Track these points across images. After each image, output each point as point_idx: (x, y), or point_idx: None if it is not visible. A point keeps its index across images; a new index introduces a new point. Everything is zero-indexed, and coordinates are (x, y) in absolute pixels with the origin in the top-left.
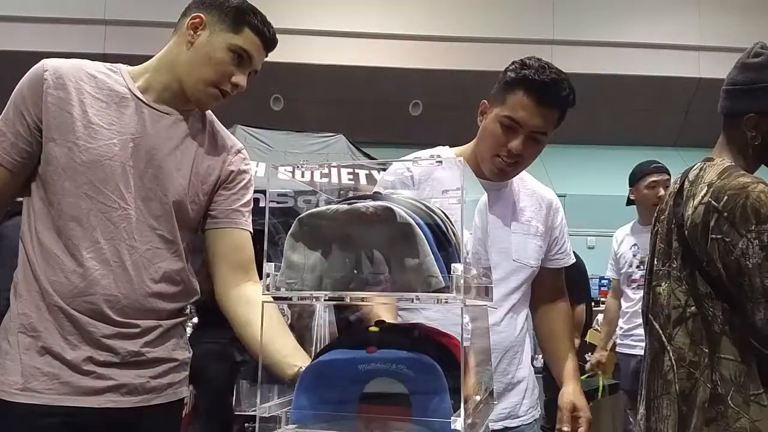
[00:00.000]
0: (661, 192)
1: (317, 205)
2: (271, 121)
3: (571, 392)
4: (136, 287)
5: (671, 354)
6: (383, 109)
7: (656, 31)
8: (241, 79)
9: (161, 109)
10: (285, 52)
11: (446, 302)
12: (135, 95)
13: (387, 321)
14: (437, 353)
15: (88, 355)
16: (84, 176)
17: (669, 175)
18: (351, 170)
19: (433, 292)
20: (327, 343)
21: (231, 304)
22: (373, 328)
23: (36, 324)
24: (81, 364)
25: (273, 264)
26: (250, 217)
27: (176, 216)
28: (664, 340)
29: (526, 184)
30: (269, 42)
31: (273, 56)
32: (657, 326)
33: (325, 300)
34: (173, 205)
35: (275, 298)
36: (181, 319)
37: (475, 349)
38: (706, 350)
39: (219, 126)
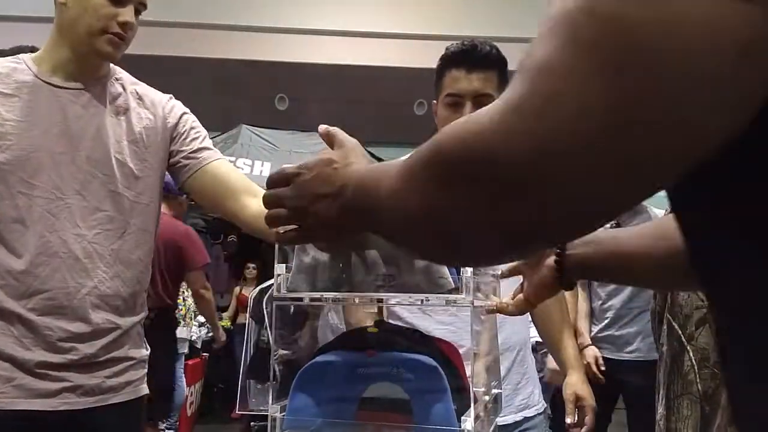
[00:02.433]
0: None
1: None
2: (275, 121)
3: (574, 382)
4: (92, 274)
5: (691, 354)
6: (388, 108)
7: None
8: (127, 15)
9: (74, 86)
10: (290, 51)
11: (454, 303)
12: (44, 81)
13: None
14: (438, 355)
15: (42, 359)
16: (13, 175)
17: None
18: None
19: (443, 293)
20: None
21: (257, 217)
22: (372, 329)
23: None
24: (34, 367)
25: (284, 265)
26: (210, 149)
27: (128, 189)
28: (684, 340)
29: None
30: None
31: (278, 56)
32: (676, 326)
33: (334, 301)
34: (119, 180)
35: (287, 299)
36: (139, 317)
37: (483, 352)
38: None
39: (140, 84)
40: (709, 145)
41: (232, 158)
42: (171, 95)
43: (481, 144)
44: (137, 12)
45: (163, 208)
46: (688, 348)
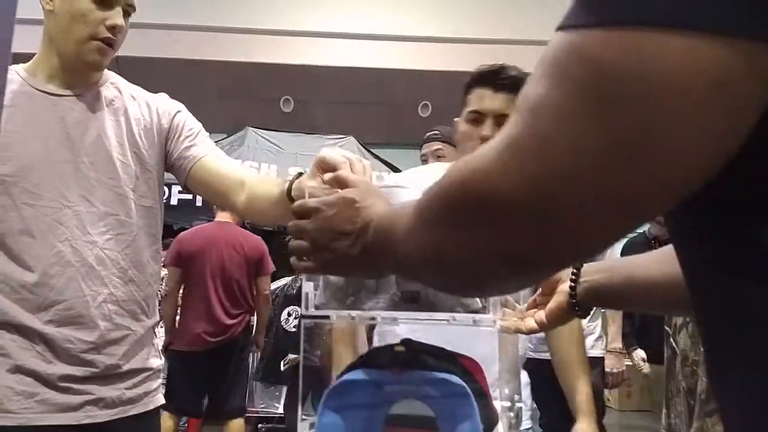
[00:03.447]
0: None
1: None
2: (281, 123)
3: (584, 429)
4: (106, 281)
5: (680, 356)
6: (393, 110)
7: None
8: (116, 19)
9: (70, 93)
10: (295, 54)
11: (479, 322)
12: (39, 90)
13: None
14: (463, 373)
15: (65, 372)
16: (17, 187)
17: None
18: None
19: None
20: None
21: (245, 206)
22: (399, 348)
23: (3, 342)
24: (57, 380)
25: (312, 283)
26: (207, 139)
27: (133, 192)
28: (674, 344)
29: None
30: None
31: (283, 58)
32: (670, 333)
33: (359, 319)
34: (124, 182)
35: (313, 317)
36: (152, 322)
37: (505, 369)
38: (702, 348)
39: (134, 87)
40: (699, 174)
41: (239, 161)
42: (165, 94)
43: (482, 184)
44: (126, 14)
45: (227, 217)
46: (678, 351)
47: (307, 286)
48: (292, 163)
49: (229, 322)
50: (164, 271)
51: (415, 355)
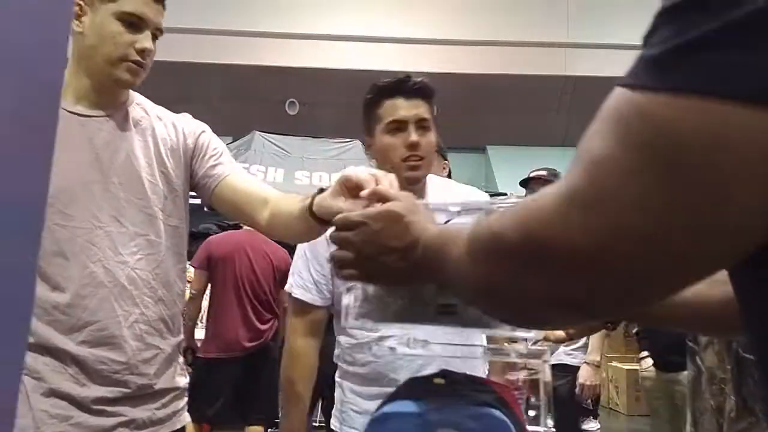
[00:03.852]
0: None
1: None
2: (286, 126)
3: None
4: (137, 301)
5: (706, 375)
6: None
7: None
8: (145, 42)
9: (99, 114)
10: (300, 56)
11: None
12: (68, 111)
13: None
14: (502, 406)
15: (98, 395)
16: (50, 208)
17: None
18: None
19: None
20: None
21: (268, 223)
22: (438, 380)
23: (36, 366)
24: (91, 403)
25: (353, 295)
26: (231, 158)
27: (161, 212)
28: (699, 363)
29: (454, 192)
30: None
31: (288, 61)
32: (696, 351)
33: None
34: (153, 202)
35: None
36: (178, 340)
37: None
38: (729, 367)
39: (159, 108)
40: (756, 239)
41: (246, 165)
42: (188, 115)
43: (541, 233)
44: (154, 37)
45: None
46: (703, 370)
47: (348, 298)
48: (299, 167)
49: (263, 327)
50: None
51: (455, 387)
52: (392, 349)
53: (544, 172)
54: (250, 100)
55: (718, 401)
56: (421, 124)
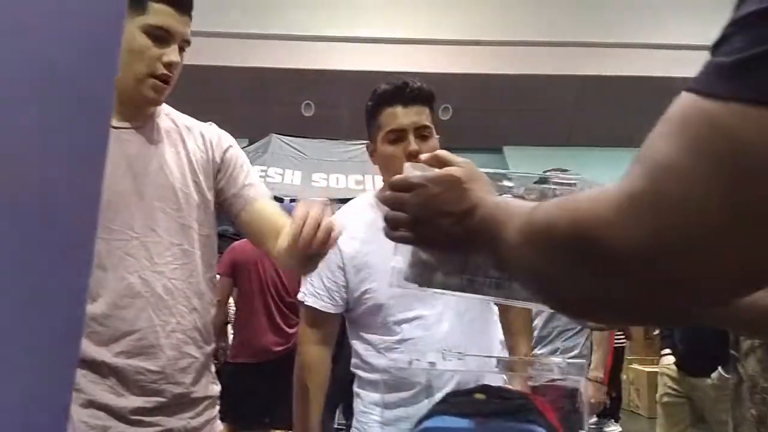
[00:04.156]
0: None
1: None
2: (302, 128)
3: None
4: (173, 310)
5: (748, 383)
6: None
7: (699, 32)
8: (172, 56)
9: (129, 126)
10: (316, 58)
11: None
12: None
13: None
14: (541, 419)
15: (136, 405)
16: None
17: None
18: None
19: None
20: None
21: (276, 255)
22: (479, 396)
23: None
24: (129, 413)
25: (401, 258)
26: (258, 181)
27: (194, 221)
28: (741, 371)
29: None
30: (180, 3)
31: (304, 63)
32: (738, 358)
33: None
34: (186, 212)
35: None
36: (211, 348)
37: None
38: None
39: (187, 117)
40: None
41: (264, 167)
42: (215, 125)
43: (599, 232)
44: (181, 49)
45: None
46: (744, 377)
47: (396, 260)
48: (316, 169)
49: (291, 331)
50: None
51: (496, 403)
52: (432, 363)
53: (557, 172)
54: (266, 103)
55: (759, 410)
56: (421, 132)
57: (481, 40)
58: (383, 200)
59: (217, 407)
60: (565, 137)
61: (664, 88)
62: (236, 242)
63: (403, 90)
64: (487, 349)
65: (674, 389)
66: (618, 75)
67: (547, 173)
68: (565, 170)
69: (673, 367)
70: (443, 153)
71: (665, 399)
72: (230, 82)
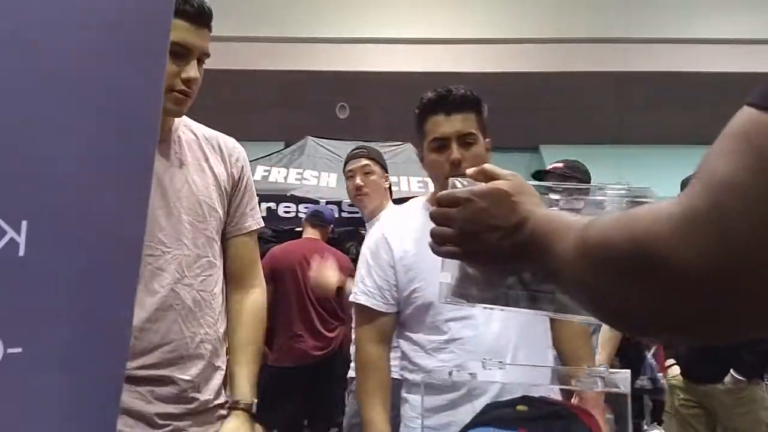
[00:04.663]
0: None
1: None
2: (336, 130)
3: None
4: (202, 321)
5: None
6: None
7: (734, 27)
8: (191, 72)
9: None
10: (349, 60)
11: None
12: None
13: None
14: (584, 429)
15: (164, 411)
16: None
17: None
18: (421, 179)
19: None
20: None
21: (231, 313)
22: (521, 407)
23: None
24: (157, 418)
25: (449, 273)
26: (254, 208)
27: (217, 234)
28: None
29: None
30: (198, 17)
31: (338, 65)
32: None
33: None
34: (211, 224)
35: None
36: (227, 357)
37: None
38: None
39: (206, 128)
40: None
41: (300, 170)
42: (233, 139)
43: (658, 251)
44: (200, 62)
45: (316, 234)
46: None
47: (443, 276)
48: None
49: (330, 335)
50: None
51: (538, 413)
52: (472, 375)
53: (560, 164)
54: (301, 106)
55: None
56: (465, 140)
57: (516, 37)
58: (430, 216)
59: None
60: (603, 135)
61: (704, 84)
62: (275, 247)
63: (446, 98)
64: (538, 353)
65: (687, 399)
66: (656, 71)
67: (551, 166)
68: (572, 162)
69: (680, 377)
70: (489, 167)
71: (681, 410)
72: (266, 86)
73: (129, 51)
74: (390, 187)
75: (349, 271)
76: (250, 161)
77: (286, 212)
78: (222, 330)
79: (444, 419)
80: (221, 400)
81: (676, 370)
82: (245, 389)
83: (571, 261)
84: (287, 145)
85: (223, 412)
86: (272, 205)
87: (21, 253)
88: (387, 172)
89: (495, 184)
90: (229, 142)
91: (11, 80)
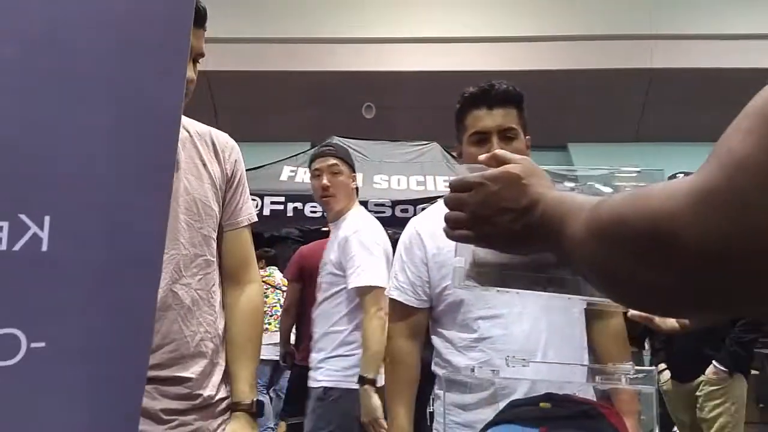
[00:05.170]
0: None
1: (415, 215)
2: (363, 130)
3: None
4: (200, 320)
5: None
6: None
7: (766, 22)
8: (187, 71)
9: None
10: (375, 60)
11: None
12: None
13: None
14: (608, 427)
15: (170, 407)
16: None
17: None
18: (447, 178)
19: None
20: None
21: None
22: (544, 404)
23: None
24: (162, 413)
25: (463, 258)
26: (247, 203)
27: (213, 231)
28: None
29: None
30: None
31: (364, 65)
32: None
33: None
34: (206, 223)
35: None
36: (224, 353)
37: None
38: None
39: (198, 124)
40: None
41: None
42: (226, 134)
43: (671, 228)
44: (195, 62)
45: None
46: None
47: (457, 261)
48: (377, 171)
49: None
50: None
51: (562, 411)
52: (495, 371)
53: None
54: (326, 106)
55: None
56: (505, 134)
57: (543, 35)
58: (444, 201)
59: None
60: (633, 133)
61: (736, 80)
62: (303, 247)
63: (489, 92)
64: (572, 353)
65: (679, 404)
66: (688, 67)
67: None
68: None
69: (669, 381)
70: (501, 152)
71: (680, 416)
72: (292, 87)
73: (150, 50)
74: (357, 189)
75: None
76: (277, 162)
77: (312, 212)
78: (221, 326)
79: (477, 416)
80: (222, 394)
81: (666, 375)
82: (245, 389)
83: (582, 240)
84: (314, 146)
85: (224, 406)
86: (299, 205)
87: (44, 248)
88: (354, 172)
89: (506, 167)
90: (221, 138)
91: (35, 79)
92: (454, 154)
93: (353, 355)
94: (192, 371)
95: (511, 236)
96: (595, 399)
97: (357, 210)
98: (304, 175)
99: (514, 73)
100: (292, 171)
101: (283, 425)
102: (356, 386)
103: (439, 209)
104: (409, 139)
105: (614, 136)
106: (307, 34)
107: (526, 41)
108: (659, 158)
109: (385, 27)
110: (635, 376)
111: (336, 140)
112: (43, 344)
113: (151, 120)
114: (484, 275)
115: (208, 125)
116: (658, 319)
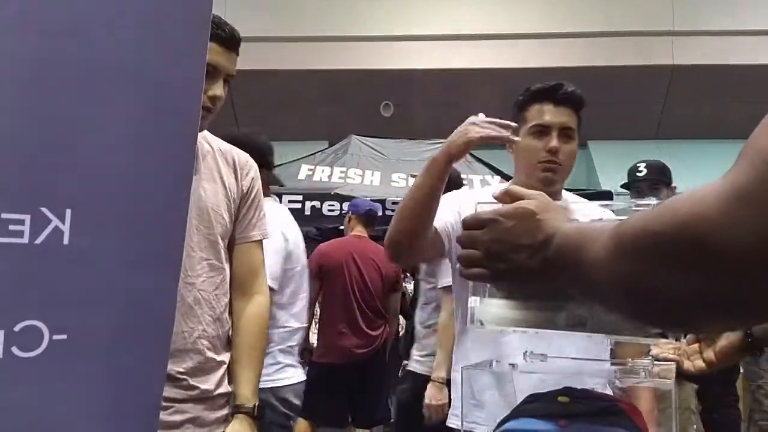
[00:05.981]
0: None
1: None
2: (380, 128)
3: None
4: (201, 319)
5: None
6: (493, 111)
7: None
8: (216, 90)
9: None
10: (392, 58)
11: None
12: None
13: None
14: (629, 425)
15: (168, 395)
16: None
17: None
18: (466, 176)
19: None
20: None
21: (234, 320)
22: (563, 398)
23: None
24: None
25: (477, 298)
26: (262, 220)
27: (222, 239)
28: None
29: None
30: (227, 41)
31: (381, 63)
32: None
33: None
34: (216, 231)
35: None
36: (228, 354)
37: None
38: None
39: (221, 141)
40: None
41: (344, 168)
42: (246, 154)
43: (704, 231)
44: (225, 82)
45: (363, 232)
46: None
47: (473, 300)
48: (395, 169)
49: (374, 333)
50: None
51: (580, 405)
52: (512, 366)
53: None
54: (344, 104)
55: None
56: (565, 132)
57: (562, 32)
58: (457, 240)
59: (228, 404)
60: (654, 130)
61: (758, 76)
62: (322, 244)
63: (557, 90)
64: (589, 365)
65: (677, 404)
66: (709, 64)
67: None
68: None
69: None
70: (514, 188)
71: (681, 417)
72: (310, 86)
73: (170, 45)
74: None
75: (395, 271)
76: (295, 160)
77: (330, 211)
78: (225, 330)
79: (494, 410)
80: (222, 390)
81: None
82: (247, 393)
83: (607, 259)
84: (331, 144)
85: (224, 401)
86: (316, 203)
87: (65, 241)
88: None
89: (520, 203)
90: (242, 157)
91: (56, 72)
92: (473, 152)
93: None
94: (183, 366)
95: (527, 273)
96: (612, 394)
97: (270, 206)
98: (321, 174)
99: (532, 70)
100: (309, 169)
101: (301, 422)
102: None
103: (485, 196)
104: (427, 137)
105: (635, 133)
106: (326, 33)
107: (544, 38)
108: (680, 156)
109: (403, 25)
110: (654, 369)
111: (354, 138)
112: (64, 336)
113: (171, 112)
114: (500, 315)
115: (227, 124)
116: (687, 363)
